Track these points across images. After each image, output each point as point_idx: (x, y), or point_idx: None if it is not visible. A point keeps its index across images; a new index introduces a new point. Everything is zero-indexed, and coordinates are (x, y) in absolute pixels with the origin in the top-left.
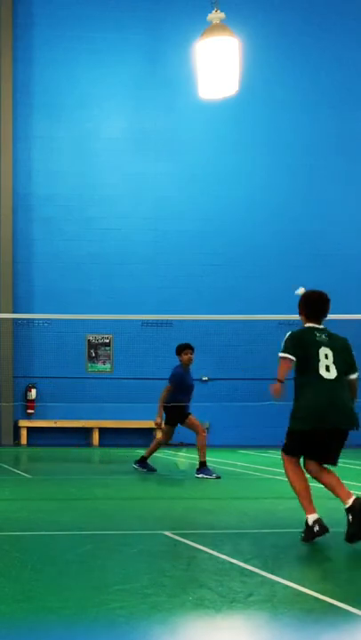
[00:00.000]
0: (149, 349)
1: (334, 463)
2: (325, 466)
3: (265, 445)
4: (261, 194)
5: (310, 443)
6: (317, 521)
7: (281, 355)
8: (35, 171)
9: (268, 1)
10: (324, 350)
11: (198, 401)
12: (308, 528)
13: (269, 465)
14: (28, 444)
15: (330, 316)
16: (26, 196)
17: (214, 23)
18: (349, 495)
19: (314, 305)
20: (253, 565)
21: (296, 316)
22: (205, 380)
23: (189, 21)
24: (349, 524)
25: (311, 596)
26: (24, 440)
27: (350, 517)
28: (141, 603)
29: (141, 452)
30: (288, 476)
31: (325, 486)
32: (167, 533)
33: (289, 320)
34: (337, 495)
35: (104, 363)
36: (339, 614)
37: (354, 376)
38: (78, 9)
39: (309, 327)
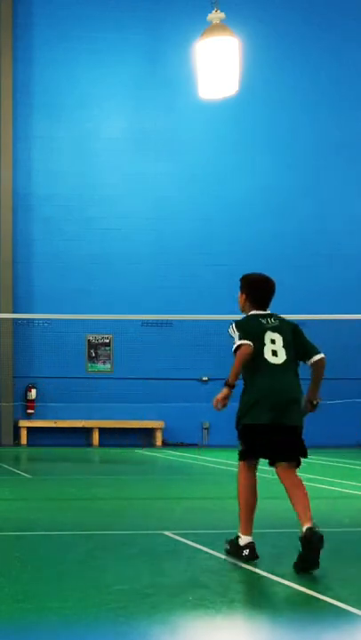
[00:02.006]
0: (149, 349)
1: (290, 460)
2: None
3: None
4: (261, 194)
5: (255, 439)
6: (250, 545)
7: (237, 343)
8: (35, 171)
9: (268, 1)
10: (270, 335)
11: (198, 401)
12: (238, 548)
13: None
14: (28, 444)
15: (330, 316)
16: (26, 196)
17: (214, 23)
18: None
19: (260, 290)
20: (253, 565)
21: (296, 316)
22: (205, 380)
23: (189, 21)
24: (299, 555)
25: (311, 596)
26: (24, 440)
27: (301, 547)
28: (141, 603)
29: (141, 451)
30: (238, 485)
31: (289, 497)
32: (167, 533)
33: (289, 320)
34: (297, 512)
35: (104, 363)
36: (339, 614)
37: (319, 356)
38: (78, 9)
39: (254, 315)
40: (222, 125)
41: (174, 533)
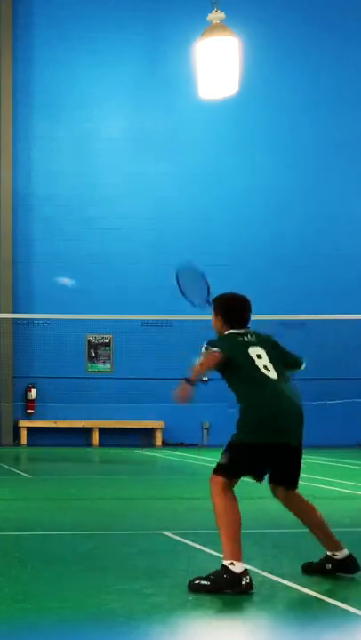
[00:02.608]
0: (149, 349)
1: (293, 486)
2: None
3: None
4: (261, 194)
5: (259, 459)
6: (246, 573)
7: (208, 350)
8: (35, 171)
9: (268, 1)
10: (255, 350)
11: (198, 401)
12: (233, 576)
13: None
14: (28, 444)
15: (330, 316)
16: (26, 196)
17: (214, 23)
18: (339, 546)
19: (237, 310)
20: (253, 565)
21: (296, 316)
22: (205, 381)
23: (189, 21)
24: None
25: (311, 595)
26: (24, 440)
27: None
28: (141, 603)
29: (141, 451)
30: (218, 504)
31: (304, 520)
32: (167, 533)
33: (289, 320)
34: (321, 539)
35: (104, 363)
36: (339, 614)
37: (304, 365)
38: (78, 9)
39: (232, 332)
40: (222, 125)
41: (174, 533)
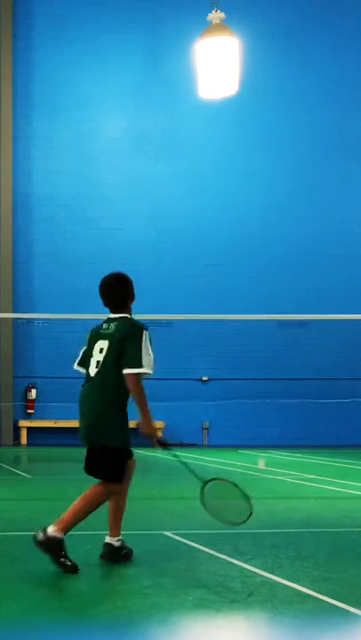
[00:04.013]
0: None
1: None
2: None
3: (265, 445)
4: (261, 194)
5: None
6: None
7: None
8: (35, 171)
9: (268, 1)
10: (100, 344)
11: (198, 401)
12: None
13: (269, 465)
14: (28, 444)
15: (331, 316)
16: (26, 196)
17: (214, 23)
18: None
19: (100, 291)
20: (253, 565)
21: (296, 316)
22: (205, 380)
23: (189, 21)
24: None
25: (311, 595)
26: (24, 440)
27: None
28: (141, 603)
29: (141, 451)
30: (120, 498)
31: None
32: (167, 533)
33: (289, 320)
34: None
35: None
36: (339, 614)
37: (126, 371)
38: (78, 9)
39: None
40: (222, 125)
41: (174, 533)
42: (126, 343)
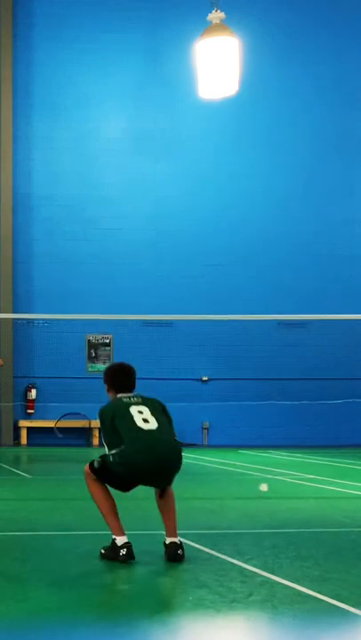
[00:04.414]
0: (149, 349)
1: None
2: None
3: (265, 445)
4: (261, 194)
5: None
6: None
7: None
8: (35, 171)
9: (268, 1)
10: (138, 408)
11: (198, 401)
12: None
13: (269, 465)
14: (28, 444)
15: (331, 316)
16: (26, 196)
17: (214, 23)
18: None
19: (120, 376)
20: (253, 565)
21: (296, 316)
22: (205, 380)
23: (189, 21)
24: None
25: (311, 596)
26: (24, 440)
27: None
28: (141, 603)
29: None
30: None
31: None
32: None
33: (289, 320)
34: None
35: (104, 363)
36: (339, 614)
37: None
38: (78, 9)
39: (119, 396)
40: (222, 125)
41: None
42: (167, 415)
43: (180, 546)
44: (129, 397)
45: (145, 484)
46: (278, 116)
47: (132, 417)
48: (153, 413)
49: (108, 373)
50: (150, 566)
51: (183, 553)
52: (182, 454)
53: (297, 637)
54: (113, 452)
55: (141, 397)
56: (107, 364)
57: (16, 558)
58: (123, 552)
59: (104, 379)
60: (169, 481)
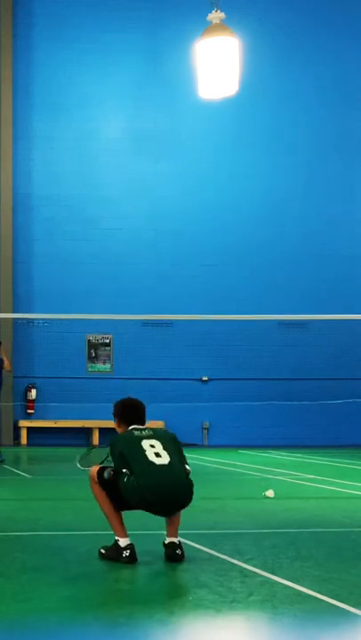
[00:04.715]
0: (149, 349)
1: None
2: None
3: (265, 445)
4: (261, 193)
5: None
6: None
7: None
8: (35, 171)
9: (268, 1)
10: (149, 442)
11: (198, 401)
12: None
13: (269, 465)
14: (28, 444)
15: (331, 316)
16: (26, 196)
17: (214, 23)
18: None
19: (131, 410)
20: (253, 565)
21: (296, 317)
22: (205, 380)
23: (189, 21)
24: None
25: (311, 595)
26: (24, 440)
27: None
28: (141, 603)
29: None
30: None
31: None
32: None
33: (289, 320)
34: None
35: (104, 363)
36: (339, 614)
37: (187, 467)
38: (78, 9)
39: (131, 428)
40: (222, 125)
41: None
42: (177, 445)
43: (179, 546)
44: (140, 430)
45: (152, 513)
46: (278, 116)
47: (143, 451)
48: (165, 447)
49: (118, 407)
50: (150, 566)
51: (182, 553)
52: (193, 489)
53: (297, 637)
54: (127, 475)
55: (153, 430)
56: (107, 365)
57: (16, 558)
58: (126, 554)
59: (113, 413)
60: (177, 513)
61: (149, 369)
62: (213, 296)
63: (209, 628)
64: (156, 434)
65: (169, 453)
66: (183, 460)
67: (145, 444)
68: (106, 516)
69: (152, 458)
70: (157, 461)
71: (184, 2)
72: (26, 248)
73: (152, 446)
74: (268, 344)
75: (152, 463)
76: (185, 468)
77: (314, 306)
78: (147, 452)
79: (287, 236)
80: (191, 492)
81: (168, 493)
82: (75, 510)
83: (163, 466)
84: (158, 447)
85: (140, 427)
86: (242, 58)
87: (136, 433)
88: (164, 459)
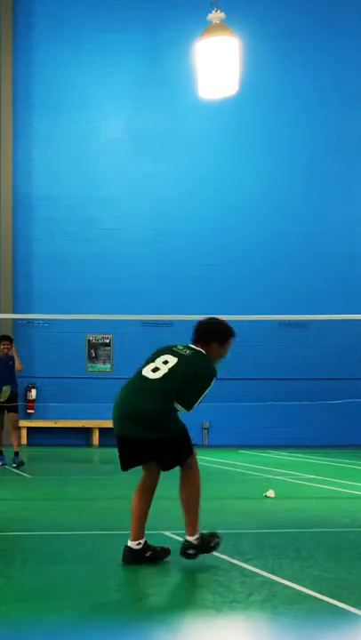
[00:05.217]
0: (149, 349)
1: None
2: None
3: (265, 445)
4: (261, 194)
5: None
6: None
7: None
8: (35, 171)
9: (268, 1)
10: (168, 357)
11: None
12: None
13: (269, 465)
14: (28, 444)
15: (331, 316)
16: (26, 196)
17: (214, 23)
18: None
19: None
20: (253, 565)
21: (296, 317)
22: None
23: (189, 21)
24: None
25: (311, 595)
26: (24, 440)
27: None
28: (141, 603)
29: None
30: (197, 482)
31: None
32: (167, 533)
33: (289, 320)
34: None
35: (104, 363)
36: (339, 614)
37: (177, 406)
38: (78, 9)
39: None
40: (222, 125)
41: (174, 533)
42: (194, 381)
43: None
44: (178, 345)
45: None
46: (278, 116)
47: (149, 361)
48: (171, 369)
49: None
50: (150, 566)
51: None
52: (152, 421)
53: (297, 637)
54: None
55: (186, 350)
56: (107, 365)
57: (16, 558)
58: (213, 543)
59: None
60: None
61: None
62: (214, 296)
63: (209, 628)
64: (182, 355)
65: (164, 375)
66: (171, 393)
67: (163, 358)
68: (194, 510)
69: (146, 372)
70: (150, 375)
71: (184, 2)
72: (26, 248)
73: (165, 362)
74: (268, 344)
75: (141, 377)
76: (167, 396)
77: (314, 306)
78: (148, 364)
79: (287, 236)
80: (142, 421)
81: (117, 411)
82: (75, 510)
83: (143, 379)
84: (164, 366)
85: (190, 345)
86: (242, 58)
87: (178, 347)
88: (158, 374)
